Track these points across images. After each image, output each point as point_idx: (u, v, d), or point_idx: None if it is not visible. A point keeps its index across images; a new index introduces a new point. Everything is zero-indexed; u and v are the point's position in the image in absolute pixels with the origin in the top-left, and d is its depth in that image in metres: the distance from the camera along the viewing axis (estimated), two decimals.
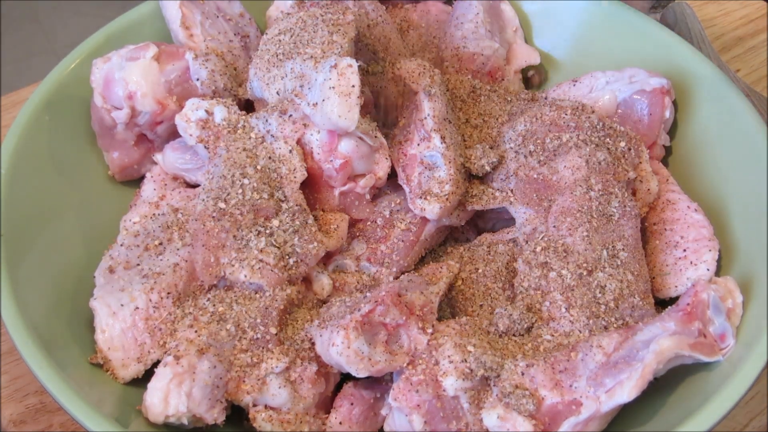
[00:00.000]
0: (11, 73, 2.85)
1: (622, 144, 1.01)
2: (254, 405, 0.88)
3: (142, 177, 1.14)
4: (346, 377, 0.92)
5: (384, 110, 1.08)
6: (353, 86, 0.94)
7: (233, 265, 0.93)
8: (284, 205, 0.96)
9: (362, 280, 1.00)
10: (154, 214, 1.05)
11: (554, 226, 0.97)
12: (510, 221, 1.06)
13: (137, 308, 0.92)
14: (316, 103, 0.96)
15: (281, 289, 0.93)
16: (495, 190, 1.03)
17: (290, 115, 1.00)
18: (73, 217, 1.06)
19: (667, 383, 0.87)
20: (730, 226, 1.01)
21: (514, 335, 0.91)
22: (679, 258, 0.98)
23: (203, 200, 0.97)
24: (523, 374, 0.84)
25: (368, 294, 0.91)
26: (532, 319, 0.92)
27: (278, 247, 0.94)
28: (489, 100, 1.12)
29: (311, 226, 0.97)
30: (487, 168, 1.03)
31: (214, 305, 0.92)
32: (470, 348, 0.85)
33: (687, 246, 0.99)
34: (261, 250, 0.93)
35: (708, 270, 0.96)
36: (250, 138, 1.00)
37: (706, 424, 0.79)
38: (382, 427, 0.90)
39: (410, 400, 0.84)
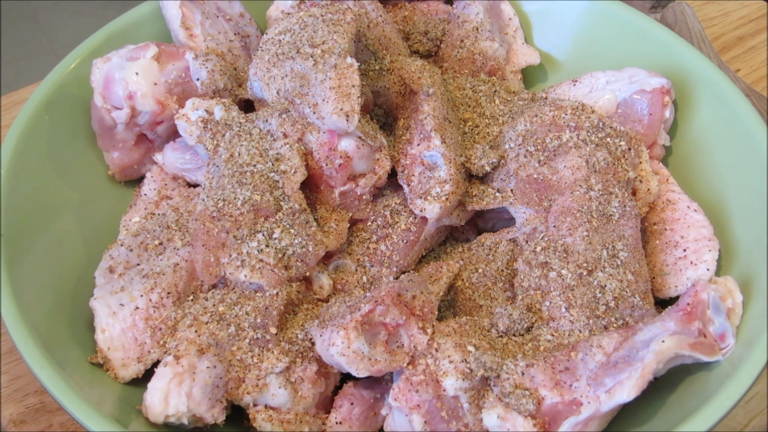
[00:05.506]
0: (11, 73, 2.85)
1: (622, 144, 1.01)
2: (254, 405, 0.88)
3: (142, 177, 1.14)
4: (346, 377, 0.92)
5: (384, 110, 1.08)
6: (353, 86, 0.94)
7: (233, 265, 0.93)
8: (284, 205, 0.96)
9: (362, 280, 1.00)
10: (154, 214, 1.05)
11: (554, 226, 0.97)
12: (510, 221, 1.06)
13: (137, 308, 0.92)
14: (317, 103, 0.96)
15: (281, 289, 0.93)
16: (495, 190, 1.03)
17: (290, 115, 1.00)
18: (73, 217, 1.06)
19: (667, 383, 0.87)
20: (730, 226, 1.01)
21: (514, 335, 0.91)
22: (679, 258, 0.98)
23: (203, 200, 0.97)
24: (523, 374, 0.84)
25: (368, 294, 0.91)
26: (532, 319, 0.92)
27: (278, 247, 0.94)
28: (489, 100, 1.12)
29: (311, 226, 0.97)
30: (487, 168, 1.03)
31: (214, 305, 0.92)
32: (470, 348, 0.85)
33: (687, 246, 0.99)
34: (261, 250, 0.93)
35: (708, 270, 0.96)
36: (250, 138, 1.00)
37: (706, 424, 0.79)
38: (382, 427, 0.90)
39: (410, 400, 0.84)
